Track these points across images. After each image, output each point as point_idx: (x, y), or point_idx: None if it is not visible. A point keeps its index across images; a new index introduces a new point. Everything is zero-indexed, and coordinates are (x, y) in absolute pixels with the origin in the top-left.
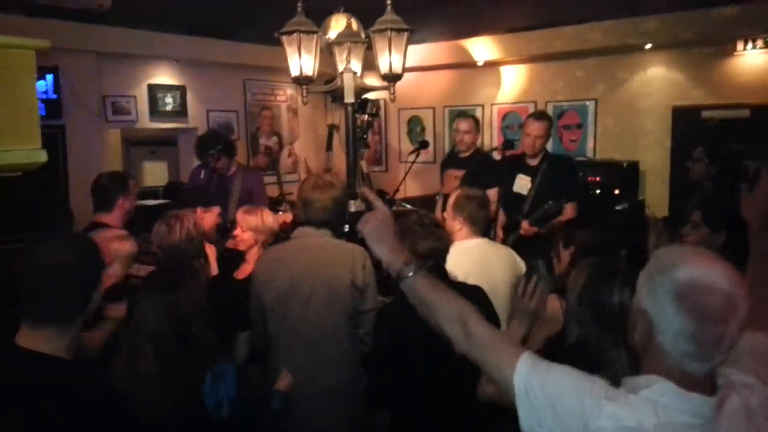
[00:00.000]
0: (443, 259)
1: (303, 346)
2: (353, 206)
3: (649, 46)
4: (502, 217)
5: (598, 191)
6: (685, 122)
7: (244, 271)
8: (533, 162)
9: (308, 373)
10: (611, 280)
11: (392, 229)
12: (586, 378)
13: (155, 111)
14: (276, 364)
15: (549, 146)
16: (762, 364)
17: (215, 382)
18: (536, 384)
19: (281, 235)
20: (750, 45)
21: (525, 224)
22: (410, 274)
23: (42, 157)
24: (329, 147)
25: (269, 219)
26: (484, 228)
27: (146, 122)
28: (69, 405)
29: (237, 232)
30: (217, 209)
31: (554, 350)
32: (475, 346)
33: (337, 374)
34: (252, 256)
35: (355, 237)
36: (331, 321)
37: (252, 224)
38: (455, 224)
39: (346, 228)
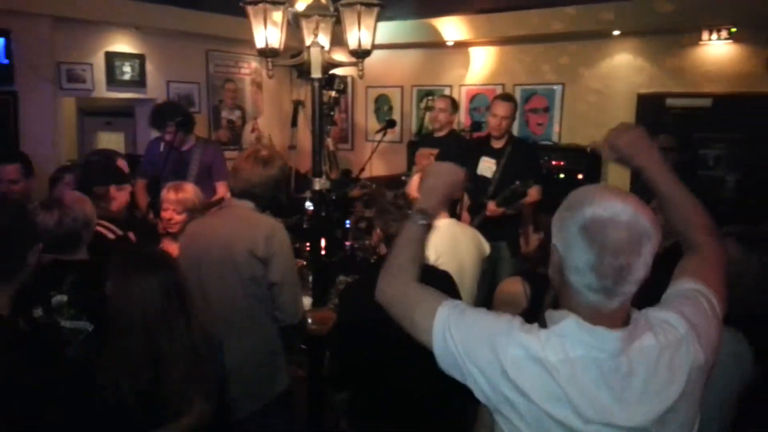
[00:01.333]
0: None
1: (212, 318)
2: (317, 184)
3: (617, 32)
4: (466, 200)
5: (562, 175)
6: (650, 109)
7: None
8: (498, 144)
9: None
10: None
11: (453, 185)
12: (500, 316)
13: (112, 80)
14: None
15: (515, 129)
16: (691, 305)
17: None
18: (453, 326)
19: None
20: (714, 35)
21: (491, 205)
22: (421, 218)
23: None
24: (294, 123)
25: (199, 192)
26: (451, 206)
27: (103, 91)
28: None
29: (169, 214)
30: (129, 187)
31: None
32: (393, 301)
33: (243, 345)
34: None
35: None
36: (232, 291)
37: (189, 205)
38: None
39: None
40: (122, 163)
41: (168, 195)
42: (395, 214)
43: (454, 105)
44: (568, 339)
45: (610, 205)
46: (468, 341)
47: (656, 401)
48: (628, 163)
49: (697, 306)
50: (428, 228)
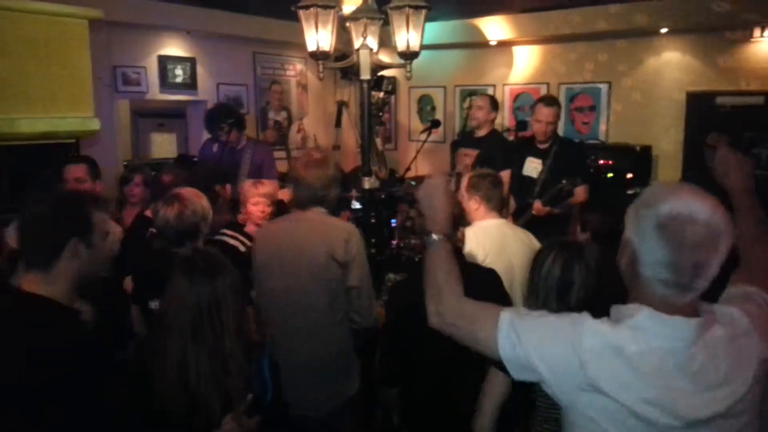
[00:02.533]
0: (453, 240)
1: (283, 319)
2: (367, 183)
3: (664, 30)
4: (512, 204)
5: (610, 175)
6: (699, 108)
7: None
8: (544, 145)
9: (290, 345)
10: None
11: (444, 196)
12: (562, 314)
13: (165, 83)
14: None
15: (560, 129)
16: (750, 303)
17: (256, 375)
18: (519, 329)
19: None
20: (767, 32)
21: (537, 204)
22: (435, 238)
23: (95, 124)
24: (338, 123)
25: (276, 186)
26: (499, 207)
27: (156, 94)
28: (40, 340)
29: (261, 207)
30: (229, 186)
31: None
32: (451, 322)
33: (316, 348)
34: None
35: (368, 213)
36: (309, 295)
37: (274, 197)
38: (471, 204)
39: (358, 205)
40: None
41: (255, 190)
42: None
43: (494, 103)
44: (644, 331)
45: (688, 203)
46: (538, 341)
47: (730, 390)
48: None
49: (756, 304)
50: (447, 243)
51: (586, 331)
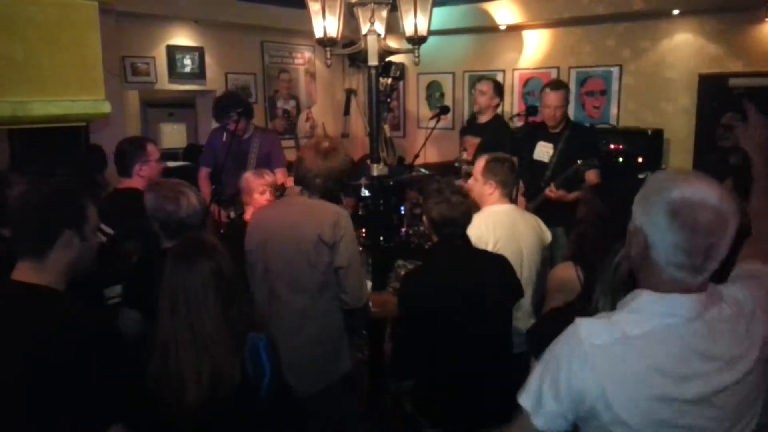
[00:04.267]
0: (462, 228)
1: (278, 300)
2: (375, 170)
3: (676, 12)
4: (521, 186)
5: (621, 159)
6: (712, 90)
7: None
8: (555, 129)
9: (286, 325)
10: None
11: None
12: (557, 342)
13: (174, 73)
14: (258, 318)
15: (570, 113)
16: (757, 288)
17: (252, 357)
18: (544, 397)
19: None
20: None
21: (552, 187)
22: None
23: (106, 107)
24: (347, 111)
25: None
26: (512, 193)
27: (165, 84)
28: (34, 328)
29: (268, 195)
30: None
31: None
32: None
33: (310, 327)
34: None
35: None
36: (299, 276)
37: (275, 182)
38: (486, 188)
39: (367, 192)
40: (152, 148)
41: (261, 180)
42: (436, 198)
43: (498, 88)
44: (642, 312)
45: (697, 189)
46: (563, 385)
47: (735, 367)
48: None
49: (761, 283)
50: None
51: (584, 334)
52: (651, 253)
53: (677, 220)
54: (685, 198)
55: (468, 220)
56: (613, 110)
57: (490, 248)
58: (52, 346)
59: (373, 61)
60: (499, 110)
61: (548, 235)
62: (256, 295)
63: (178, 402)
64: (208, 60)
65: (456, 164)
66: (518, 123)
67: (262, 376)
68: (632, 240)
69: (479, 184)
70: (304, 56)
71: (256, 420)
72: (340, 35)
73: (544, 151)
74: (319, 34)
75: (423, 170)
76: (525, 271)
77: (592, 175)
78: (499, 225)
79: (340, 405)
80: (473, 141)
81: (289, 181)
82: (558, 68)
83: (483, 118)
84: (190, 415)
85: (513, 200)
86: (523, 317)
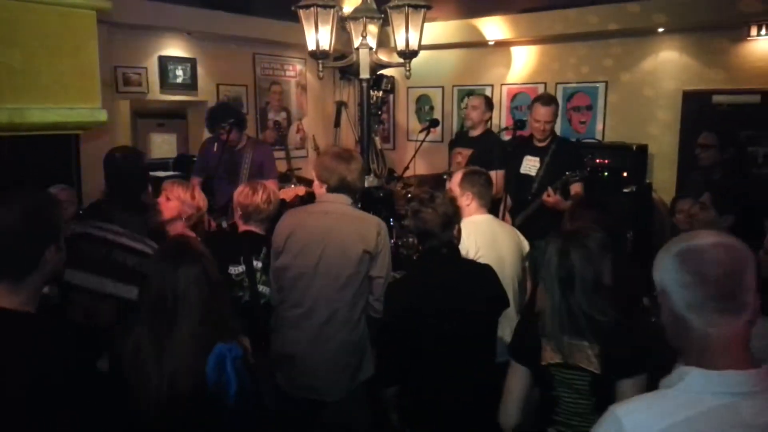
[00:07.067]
0: (443, 239)
1: (310, 305)
2: (367, 182)
3: (661, 29)
4: (508, 201)
5: (606, 173)
6: (696, 106)
7: None
8: (541, 143)
9: (319, 330)
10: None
11: None
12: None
13: (165, 83)
14: (282, 321)
15: (557, 128)
16: None
17: (216, 367)
18: None
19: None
20: (764, 30)
21: (550, 191)
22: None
23: (103, 116)
24: (337, 123)
25: (199, 196)
26: (489, 205)
27: (156, 94)
28: (12, 353)
29: (161, 200)
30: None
31: None
32: None
33: (343, 332)
34: (174, 229)
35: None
36: (341, 283)
37: (181, 196)
38: (463, 200)
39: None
40: None
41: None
42: (415, 209)
43: (488, 103)
44: (695, 392)
45: (700, 237)
46: None
47: None
48: None
49: None
50: None
51: (629, 427)
52: (678, 311)
53: (684, 261)
54: (690, 245)
55: (449, 230)
56: (599, 125)
57: (471, 256)
58: (29, 375)
59: (364, 74)
60: (488, 125)
61: (526, 245)
62: (285, 299)
63: (139, 393)
64: (200, 71)
65: (444, 177)
66: (506, 137)
67: (226, 384)
68: (661, 307)
69: (458, 196)
70: (295, 68)
71: (221, 428)
72: (332, 48)
73: (530, 165)
74: (311, 46)
75: (412, 183)
76: (507, 279)
77: (577, 187)
78: (480, 234)
79: (360, 409)
80: (466, 152)
81: (283, 193)
82: (545, 83)
83: (475, 132)
84: (151, 409)
85: (501, 216)
86: (506, 326)
